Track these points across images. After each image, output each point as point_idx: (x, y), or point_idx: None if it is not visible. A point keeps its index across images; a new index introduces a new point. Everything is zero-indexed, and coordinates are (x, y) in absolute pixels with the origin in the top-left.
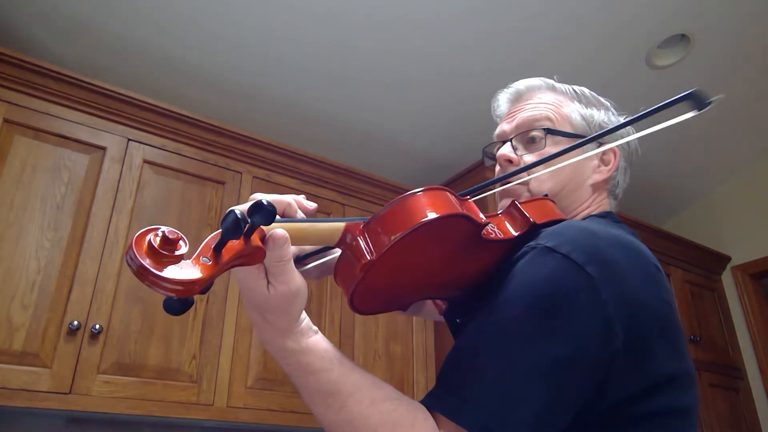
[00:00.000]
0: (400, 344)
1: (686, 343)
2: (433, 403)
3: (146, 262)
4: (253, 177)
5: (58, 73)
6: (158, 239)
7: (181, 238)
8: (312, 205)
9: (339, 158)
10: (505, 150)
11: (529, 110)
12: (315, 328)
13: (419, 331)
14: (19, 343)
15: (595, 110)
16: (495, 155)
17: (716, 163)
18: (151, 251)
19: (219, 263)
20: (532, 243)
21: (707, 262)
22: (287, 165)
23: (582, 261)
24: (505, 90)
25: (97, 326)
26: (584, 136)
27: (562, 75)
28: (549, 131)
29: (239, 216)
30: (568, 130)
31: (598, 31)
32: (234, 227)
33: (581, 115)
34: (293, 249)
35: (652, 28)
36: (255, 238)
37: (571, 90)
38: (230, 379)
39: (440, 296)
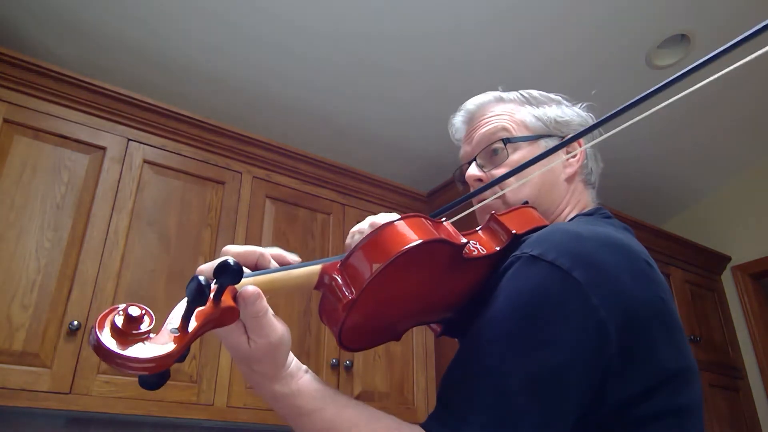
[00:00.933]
0: (400, 344)
1: (685, 338)
2: (434, 425)
3: (112, 345)
4: (253, 177)
5: (58, 73)
6: (121, 319)
7: (146, 313)
8: (292, 256)
9: (339, 158)
10: (473, 170)
11: (484, 126)
12: (304, 368)
13: (419, 331)
14: (19, 343)
15: (546, 107)
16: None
17: (716, 163)
18: (116, 332)
19: (189, 333)
20: (517, 252)
21: (707, 262)
22: (287, 165)
23: (568, 266)
24: (457, 113)
25: None
26: (544, 136)
27: (563, 74)
28: (507, 140)
29: (203, 283)
30: (526, 133)
31: (598, 31)
32: (198, 294)
33: (534, 116)
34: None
35: (652, 28)
36: (226, 299)
37: (519, 96)
38: (230, 379)
39: (432, 320)
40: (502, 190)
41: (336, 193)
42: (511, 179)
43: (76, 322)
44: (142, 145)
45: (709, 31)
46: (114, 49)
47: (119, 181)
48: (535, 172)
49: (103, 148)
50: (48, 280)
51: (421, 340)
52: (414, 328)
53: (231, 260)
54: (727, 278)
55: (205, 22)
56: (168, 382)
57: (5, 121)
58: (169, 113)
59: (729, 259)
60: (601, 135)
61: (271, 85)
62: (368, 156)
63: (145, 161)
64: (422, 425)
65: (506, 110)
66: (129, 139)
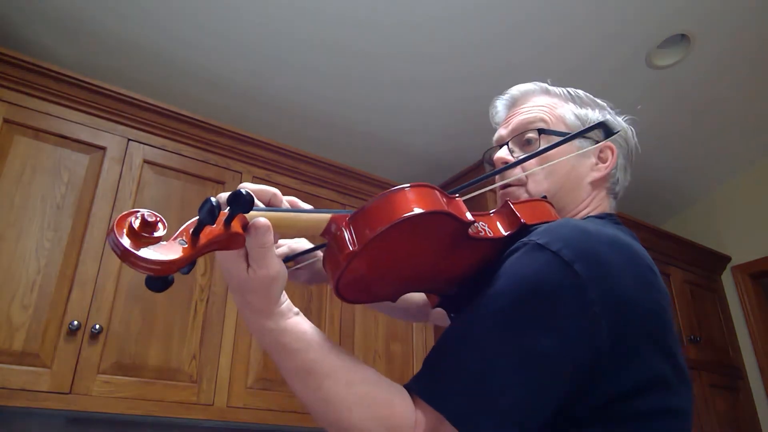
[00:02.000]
0: (400, 344)
1: (679, 345)
2: (414, 386)
3: (126, 243)
4: (253, 177)
5: (58, 73)
6: (138, 221)
7: (160, 221)
8: (305, 205)
9: (339, 158)
10: (502, 153)
11: (524, 114)
12: (296, 310)
13: (419, 330)
14: (19, 343)
15: (589, 110)
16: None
17: (716, 163)
18: (131, 233)
19: (196, 246)
20: (524, 239)
21: (707, 262)
22: (287, 165)
23: (571, 259)
24: (501, 96)
25: (97, 326)
26: (579, 136)
27: (563, 75)
28: (542, 131)
29: (214, 204)
30: (563, 129)
31: (598, 31)
32: (208, 214)
33: (575, 114)
34: (283, 249)
35: (652, 28)
36: (235, 225)
37: (565, 92)
38: (230, 379)
39: (431, 290)
40: (524, 172)
41: (336, 193)
42: (536, 167)
43: (76, 322)
44: (142, 145)
45: (709, 31)
46: (114, 49)
47: (119, 181)
48: (560, 167)
49: (103, 148)
50: (48, 280)
51: (421, 340)
52: (414, 328)
53: (244, 191)
54: (727, 278)
55: (205, 23)
56: (168, 382)
57: (5, 121)
58: (169, 113)
59: (729, 259)
60: (636, 149)
61: (271, 85)
62: (368, 156)
63: (145, 161)
64: (405, 386)
65: (549, 103)
66: (129, 139)
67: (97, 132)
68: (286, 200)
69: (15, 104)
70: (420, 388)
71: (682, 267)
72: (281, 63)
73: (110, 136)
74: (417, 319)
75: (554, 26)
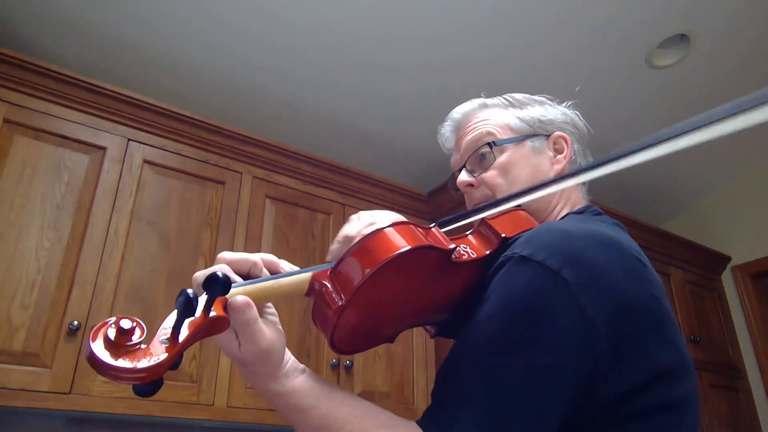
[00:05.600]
0: (400, 344)
1: (678, 331)
2: (427, 424)
3: (105, 357)
4: (253, 177)
5: (58, 73)
6: (114, 331)
7: (138, 325)
8: (285, 264)
9: (339, 158)
10: (463, 177)
11: (470, 133)
12: (302, 367)
13: (419, 331)
14: (19, 343)
15: (530, 108)
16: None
17: (716, 163)
18: (109, 344)
19: (179, 342)
20: (508, 253)
21: (707, 262)
22: (287, 165)
23: (558, 267)
24: (444, 123)
25: None
26: (528, 136)
27: (563, 75)
28: (492, 144)
29: (190, 296)
30: (510, 135)
31: (598, 31)
32: (186, 307)
33: (518, 117)
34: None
35: (652, 28)
36: (217, 308)
37: (502, 100)
38: (230, 379)
39: (425, 323)
40: (492, 191)
41: (336, 193)
42: (500, 181)
43: (76, 322)
44: (142, 145)
45: (709, 31)
46: (114, 49)
47: (119, 181)
48: (521, 173)
49: (103, 148)
50: (48, 280)
51: (421, 340)
52: (414, 329)
53: (220, 273)
54: (727, 278)
55: (205, 22)
56: (168, 382)
57: (5, 121)
58: (169, 113)
59: (729, 259)
60: (587, 130)
61: (271, 84)
62: (368, 156)
63: (145, 161)
64: (417, 422)
65: (490, 115)
66: (129, 139)
67: (97, 132)
68: (264, 262)
69: (15, 104)
70: (432, 425)
71: (682, 267)
72: (282, 63)
73: (110, 136)
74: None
75: (554, 26)
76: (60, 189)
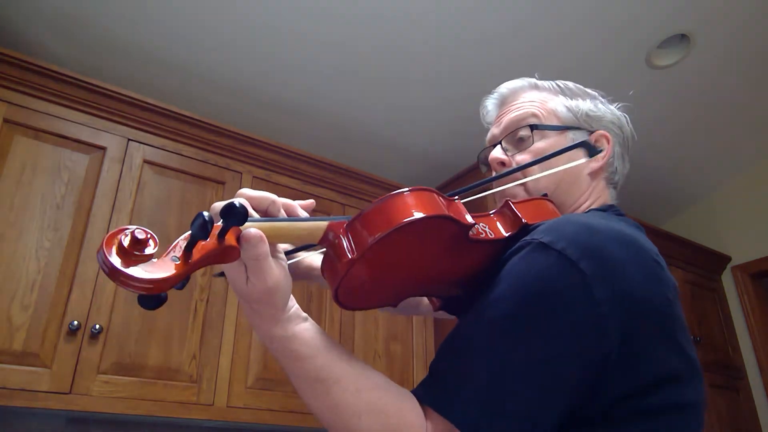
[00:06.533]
0: (400, 344)
1: (689, 337)
2: (423, 394)
3: (116, 262)
4: (253, 177)
5: (58, 73)
6: (128, 239)
7: (151, 237)
8: (303, 211)
9: (339, 158)
10: (496, 153)
11: (515, 111)
12: (304, 315)
13: (419, 331)
14: (19, 343)
15: (580, 100)
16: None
17: (716, 162)
18: (121, 251)
19: (188, 262)
20: (527, 238)
21: (707, 262)
22: (287, 165)
23: (576, 257)
24: (490, 95)
25: (97, 326)
26: (572, 128)
27: (563, 74)
28: (534, 127)
29: (206, 219)
30: (555, 122)
31: (598, 31)
32: (201, 229)
33: (566, 107)
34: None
35: (652, 28)
36: (230, 238)
37: (554, 85)
38: (230, 379)
39: (432, 294)
40: (524, 177)
41: (336, 193)
42: (535, 168)
43: (76, 322)
44: (142, 145)
45: (709, 31)
46: (114, 49)
47: (119, 181)
48: (557, 164)
49: (103, 148)
50: (48, 280)
51: (421, 340)
52: (414, 328)
53: (238, 203)
54: (727, 278)
55: (205, 23)
56: (168, 381)
57: (5, 121)
58: (169, 113)
59: (729, 259)
60: (632, 135)
61: (271, 85)
62: (368, 156)
63: (145, 161)
64: (413, 392)
65: (539, 98)
66: (129, 139)
67: (97, 132)
68: (284, 205)
69: (15, 104)
70: (429, 397)
71: (682, 267)
72: (282, 63)
73: (110, 136)
74: (421, 314)
75: (554, 26)
76: (60, 189)
